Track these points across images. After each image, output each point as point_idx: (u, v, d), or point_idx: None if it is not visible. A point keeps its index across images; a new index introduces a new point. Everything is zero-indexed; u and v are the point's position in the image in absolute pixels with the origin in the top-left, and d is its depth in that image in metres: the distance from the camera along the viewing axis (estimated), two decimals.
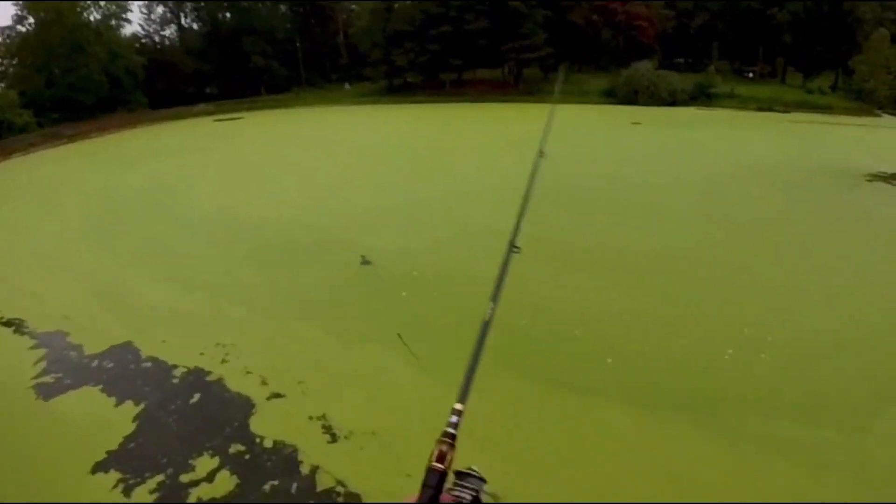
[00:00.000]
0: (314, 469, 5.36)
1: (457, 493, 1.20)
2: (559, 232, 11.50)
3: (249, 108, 48.66)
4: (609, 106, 41.35)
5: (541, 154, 2.57)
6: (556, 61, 50.57)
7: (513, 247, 1.92)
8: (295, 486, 5.17)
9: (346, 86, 59.51)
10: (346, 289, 9.82)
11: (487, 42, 46.93)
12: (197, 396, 6.64)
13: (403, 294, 9.33)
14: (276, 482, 5.22)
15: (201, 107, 49.21)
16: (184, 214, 15.25)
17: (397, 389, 6.63)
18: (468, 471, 1.25)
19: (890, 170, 17.94)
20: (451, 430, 1.22)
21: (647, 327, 7.95)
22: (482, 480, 1.25)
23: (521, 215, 2.16)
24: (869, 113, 38.23)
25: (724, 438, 5.69)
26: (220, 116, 44.28)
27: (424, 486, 1.13)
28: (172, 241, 13.08)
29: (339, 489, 5.10)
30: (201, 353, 7.56)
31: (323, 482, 5.19)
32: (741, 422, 5.94)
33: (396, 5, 52.14)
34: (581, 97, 44.68)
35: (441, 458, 1.16)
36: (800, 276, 9.79)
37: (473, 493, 1.20)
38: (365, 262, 10.68)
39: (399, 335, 7.75)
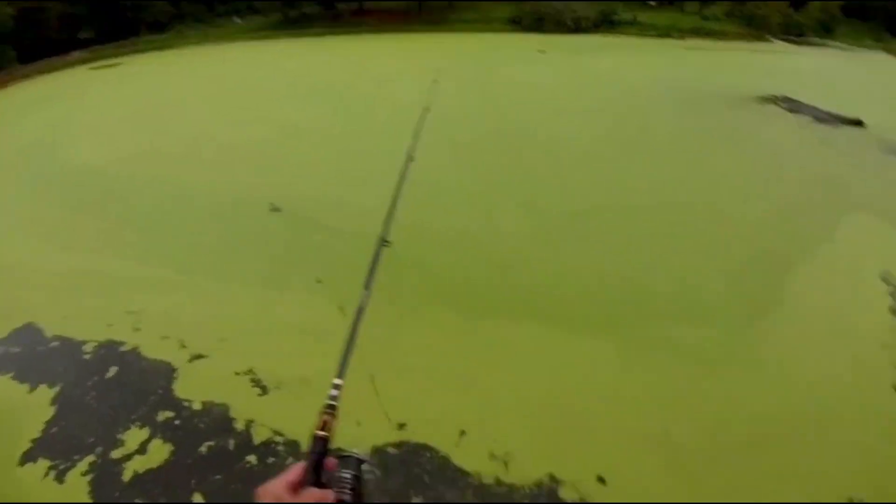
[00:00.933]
0: (249, 423, 5.42)
1: (340, 474, 1.31)
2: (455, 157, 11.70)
3: (132, 52, 43.51)
4: (515, 34, 41.00)
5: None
6: None
7: (383, 241, 2.11)
8: (232, 442, 5.23)
9: (236, 19, 53.83)
10: (255, 237, 9.54)
11: None
12: (113, 370, 6.35)
13: (317, 238, 9.24)
14: (211, 443, 5.24)
15: (75, 55, 43.11)
16: (63, 174, 13.53)
17: (323, 334, 6.62)
18: (349, 453, 1.37)
19: (778, 92, 19.43)
20: (332, 403, 1.40)
21: (545, 246, 8.59)
22: (361, 461, 1.38)
23: (395, 200, 2.43)
24: (761, 38, 40.74)
25: (622, 342, 6.41)
26: (96, 64, 39.31)
27: (311, 452, 1.28)
28: (57, 203, 11.60)
29: (278, 439, 5.21)
30: (109, 325, 7.14)
31: (260, 435, 5.28)
32: (637, 328, 6.71)
33: None
34: (486, 24, 43.97)
35: (324, 426, 1.32)
36: (688, 191, 10.82)
37: (354, 473, 1.33)
38: (274, 208, 10.37)
39: (319, 280, 7.77)
